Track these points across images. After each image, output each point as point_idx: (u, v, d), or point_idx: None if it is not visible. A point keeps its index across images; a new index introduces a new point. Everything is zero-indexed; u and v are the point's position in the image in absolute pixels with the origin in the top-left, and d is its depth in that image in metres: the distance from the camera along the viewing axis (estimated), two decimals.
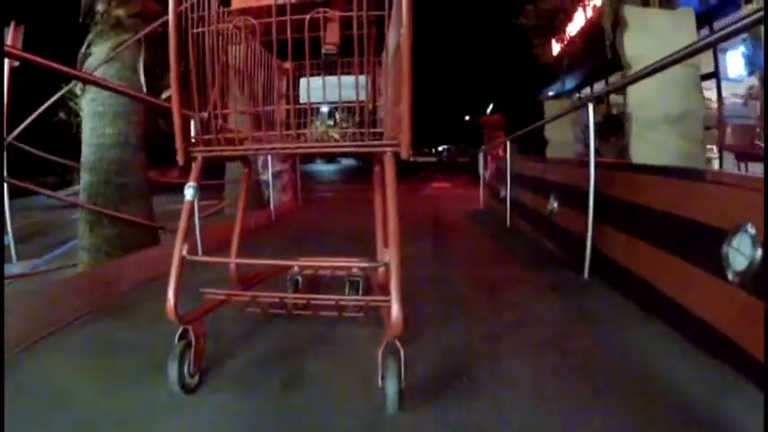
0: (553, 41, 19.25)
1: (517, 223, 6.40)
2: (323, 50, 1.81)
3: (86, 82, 4.83)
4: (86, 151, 5.14)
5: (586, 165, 3.88)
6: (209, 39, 1.86)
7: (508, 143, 7.34)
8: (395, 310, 1.57)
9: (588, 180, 3.56)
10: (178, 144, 1.87)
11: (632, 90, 6.51)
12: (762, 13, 1.94)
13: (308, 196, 10.99)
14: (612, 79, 19.03)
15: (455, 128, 65.59)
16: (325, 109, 2.45)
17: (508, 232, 6.35)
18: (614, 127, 15.66)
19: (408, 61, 1.63)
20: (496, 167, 9.90)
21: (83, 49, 5.38)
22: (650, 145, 6.41)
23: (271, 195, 7.90)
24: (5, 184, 5.28)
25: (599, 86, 19.20)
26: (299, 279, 2.82)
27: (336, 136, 2.11)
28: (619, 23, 7.11)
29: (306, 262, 2.63)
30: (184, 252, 1.78)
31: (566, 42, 18.40)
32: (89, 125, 5.17)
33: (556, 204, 4.81)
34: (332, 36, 1.80)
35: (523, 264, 4.30)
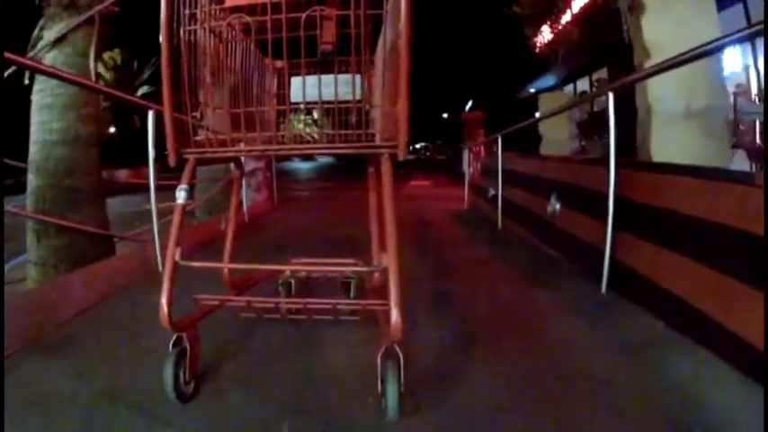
0: (547, 30, 18.90)
1: (509, 225, 6.00)
2: (319, 49, 1.77)
3: (29, 69, 4.29)
4: (33, 150, 4.63)
5: (597, 163, 3.65)
6: (201, 37, 1.82)
7: (500, 139, 6.77)
8: (395, 315, 1.56)
9: (604, 180, 3.17)
10: (170, 145, 1.83)
11: (653, 82, 5.93)
12: None
13: (284, 195, 10.54)
14: (596, 76, 19.07)
15: (433, 125, 65.80)
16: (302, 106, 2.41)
17: (501, 236, 5.92)
18: (598, 124, 15.24)
19: (406, 60, 1.62)
20: (482, 165, 9.63)
21: (35, 33, 4.92)
22: (672, 142, 5.95)
23: (244, 195, 7.44)
24: None
25: (598, 75, 18.74)
26: (292, 282, 2.78)
27: (315, 135, 2.07)
28: (635, 7, 6.56)
29: (300, 265, 2.60)
30: (177, 257, 1.75)
31: (562, 30, 17.61)
32: (36, 119, 4.66)
33: (558, 206, 4.42)
34: (328, 35, 1.76)
35: (528, 276, 3.78)
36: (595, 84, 19.11)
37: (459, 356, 2.24)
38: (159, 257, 3.71)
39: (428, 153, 53.21)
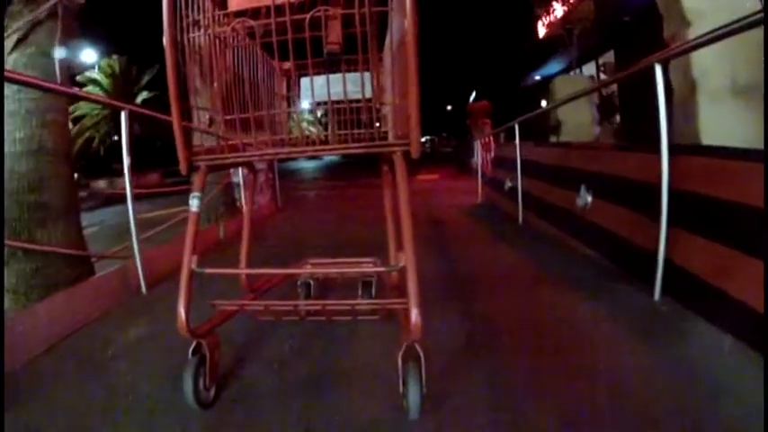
0: (559, 7, 18.25)
1: (532, 220, 5.63)
2: (325, 50, 1.76)
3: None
4: None
5: (639, 149, 3.32)
6: (206, 43, 1.82)
7: (517, 128, 6.29)
8: (414, 315, 1.56)
9: (648, 168, 2.83)
10: (180, 153, 1.84)
11: (699, 55, 5.23)
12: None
13: (288, 196, 10.42)
14: (602, 60, 18.71)
15: (437, 118, 65.81)
16: (305, 105, 2.40)
17: (524, 232, 5.46)
18: (609, 110, 15.16)
19: (414, 56, 1.61)
20: (496, 156, 9.25)
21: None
22: (722, 122, 5.33)
23: (243, 199, 7.02)
24: None
25: (604, 60, 18.62)
26: (311, 282, 2.79)
27: (315, 131, 2.08)
28: None
29: (317, 267, 2.61)
30: (193, 265, 1.76)
31: (576, 5, 16.48)
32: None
33: (590, 198, 4.05)
34: (334, 35, 1.76)
35: (564, 280, 3.35)
36: (602, 68, 18.93)
37: (498, 393, 1.91)
38: (142, 277, 3.44)
39: (433, 146, 53.16)
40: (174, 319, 1.72)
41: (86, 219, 11.51)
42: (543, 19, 19.68)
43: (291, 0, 1.65)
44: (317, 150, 1.86)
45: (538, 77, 25.07)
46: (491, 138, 15.00)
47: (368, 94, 1.77)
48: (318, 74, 1.88)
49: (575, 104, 10.65)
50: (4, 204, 3.90)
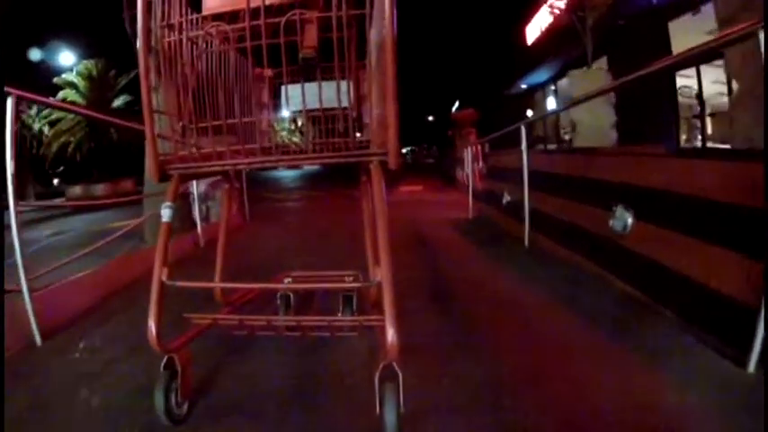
0: None
1: (542, 243, 4.92)
2: (300, 55, 1.74)
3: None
4: None
5: (715, 156, 2.72)
6: (180, 48, 1.80)
7: (523, 131, 5.39)
8: (390, 335, 1.54)
9: (753, 184, 2.15)
10: (151, 161, 1.82)
11: None
12: None
13: (260, 208, 9.82)
14: (596, 66, 18.60)
15: (418, 128, 66.34)
16: (286, 114, 2.38)
17: (536, 259, 4.59)
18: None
19: (392, 63, 1.60)
20: (490, 167, 8.47)
21: None
22: None
23: (198, 214, 6.84)
24: None
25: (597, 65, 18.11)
26: (290, 296, 2.76)
27: (298, 141, 2.06)
28: None
29: (296, 282, 2.60)
30: (164, 277, 1.73)
31: None
32: None
33: (629, 219, 3.31)
34: (309, 39, 1.74)
35: (611, 338, 2.56)
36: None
37: None
38: (35, 324, 2.75)
39: (415, 156, 53.58)
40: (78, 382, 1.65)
41: (52, 227, 11.38)
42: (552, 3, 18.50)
43: (266, 3, 1.64)
44: (292, 159, 1.85)
45: (524, 86, 25.08)
46: (478, 147, 14.91)
47: (344, 103, 1.75)
48: (296, 81, 1.87)
49: (591, 104, 9.59)
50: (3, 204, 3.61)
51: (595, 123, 10.34)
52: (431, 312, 3.09)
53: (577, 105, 8.90)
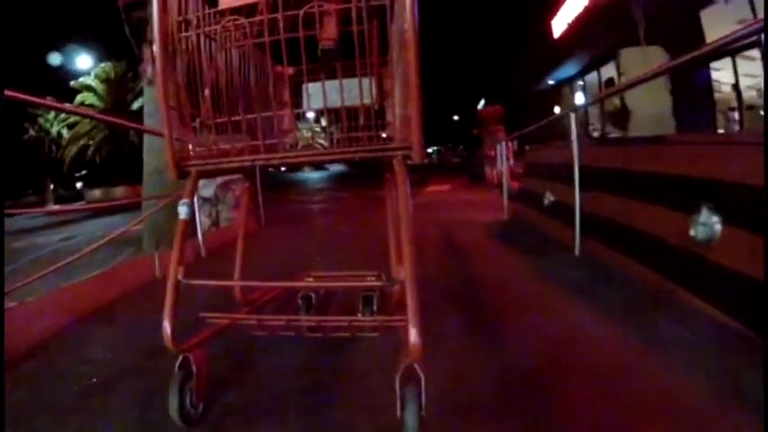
0: None
1: (597, 252, 4.12)
2: (319, 47, 1.73)
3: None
4: None
5: None
6: (197, 43, 1.80)
7: (573, 119, 4.72)
8: (413, 335, 1.52)
9: None
10: (169, 158, 1.83)
11: None
12: None
13: (279, 212, 9.59)
14: None
15: (443, 128, 66.82)
16: (311, 114, 2.37)
17: (590, 271, 3.83)
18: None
19: (415, 56, 1.59)
20: (529, 163, 7.78)
21: None
22: None
23: (199, 221, 6.31)
24: None
25: None
26: (312, 296, 2.75)
27: (324, 143, 2.05)
28: None
29: (316, 281, 2.58)
30: (180, 276, 1.73)
31: None
32: None
33: (718, 227, 2.64)
34: (329, 31, 1.73)
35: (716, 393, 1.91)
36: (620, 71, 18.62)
37: None
38: None
39: (441, 156, 53.68)
40: None
41: (66, 231, 11.45)
42: None
43: None
44: (312, 156, 1.84)
45: (551, 82, 25.08)
46: (510, 144, 14.68)
47: (366, 100, 1.74)
48: (317, 79, 1.86)
49: (647, 90, 8.41)
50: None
51: (654, 110, 9.02)
52: (469, 351, 2.51)
53: (632, 89, 7.29)
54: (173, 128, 1.81)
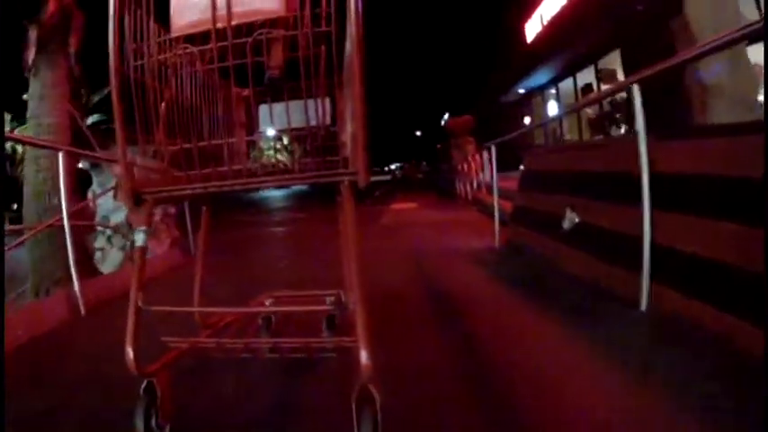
0: None
1: (679, 307, 2.89)
2: (266, 75, 1.87)
3: None
4: None
5: None
6: (149, 71, 1.92)
7: (637, 94, 3.27)
8: (363, 356, 1.63)
9: None
10: (124, 185, 1.95)
11: None
12: None
13: (220, 238, 7.52)
14: (603, 63, 18.21)
15: (406, 144, 68.16)
16: (270, 132, 2.49)
17: (700, 353, 2.49)
18: None
19: (360, 81, 1.72)
20: (528, 170, 6.56)
21: None
22: None
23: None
24: None
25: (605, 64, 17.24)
26: (272, 317, 2.88)
27: (285, 159, 2.18)
28: None
29: (277, 302, 2.73)
30: (140, 302, 1.84)
31: None
32: None
33: None
34: (275, 59, 1.86)
35: None
36: (598, 76, 18.23)
37: None
38: None
39: (405, 172, 54.37)
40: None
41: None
42: None
43: (234, 23, 1.77)
44: (260, 183, 1.95)
45: (522, 91, 25.13)
46: (476, 156, 14.54)
47: (312, 122, 1.87)
48: (264, 102, 1.99)
49: (734, 58, 6.95)
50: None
51: (741, 88, 7.13)
52: None
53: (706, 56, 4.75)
54: (126, 155, 1.93)
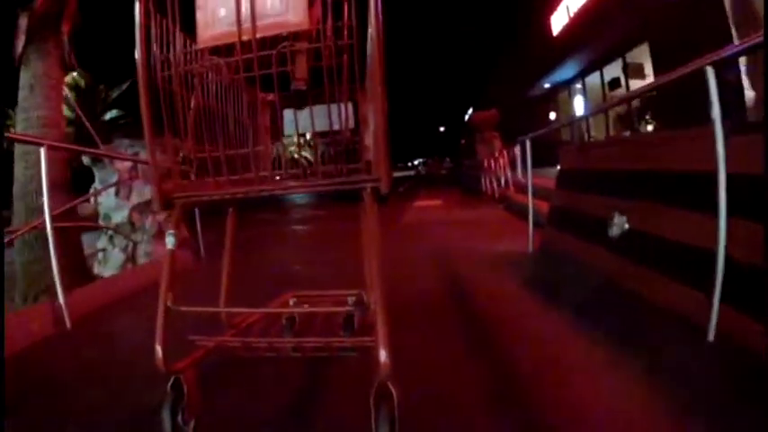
0: None
1: (751, 337, 2.49)
2: (292, 86, 1.97)
3: None
4: None
5: None
6: (177, 80, 2.04)
7: (711, 77, 2.91)
8: (382, 355, 1.73)
9: None
10: (154, 189, 2.08)
11: None
12: None
13: (243, 235, 4.99)
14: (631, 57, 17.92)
15: (429, 140, 68.60)
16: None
17: None
18: None
19: (381, 86, 1.83)
20: (570, 168, 5.98)
21: None
22: None
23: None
24: None
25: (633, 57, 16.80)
26: (296, 316, 3.02)
27: (308, 155, 2.30)
28: None
29: (300, 302, 2.90)
30: (169, 302, 1.97)
31: None
32: None
33: None
34: (300, 71, 1.96)
35: None
36: (625, 70, 17.79)
37: None
38: None
39: (428, 168, 54.30)
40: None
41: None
42: None
43: (259, 36, 1.87)
44: (286, 189, 2.06)
45: (547, 85, 25.03)
46: (503, 152, 14.16)
47: (336, 126, 1.97)
48: (289, 107, 2.10)
49: None
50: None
51: None
52: None
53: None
54: (156, 160, 2.05)
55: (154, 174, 2.09)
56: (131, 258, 6.61)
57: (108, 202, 7.27)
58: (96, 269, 7.16)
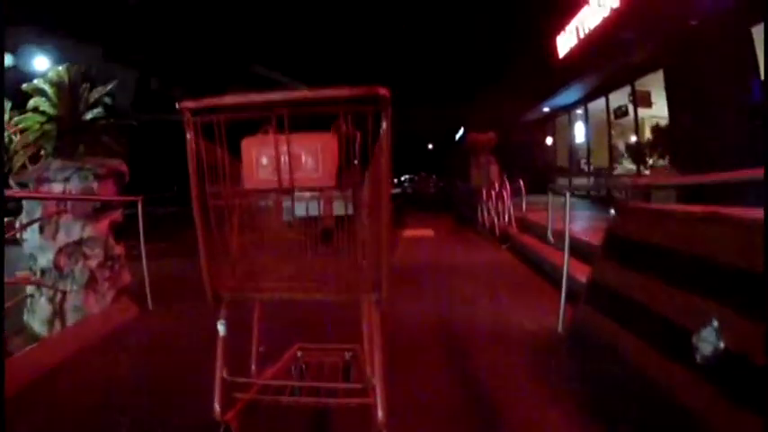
0: None
1: None
2: (321, 229, 2.77)
3: None
4: None
5: None
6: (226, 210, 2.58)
7: None
8: (380, 414, 2.22)
9: None
10: (206, 284, 2.52)
11: None
12: None
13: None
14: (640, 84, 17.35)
15: (416, 156, 70.23)
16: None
17: None
18: None
19: (387, 215, 2.29)
20: (622, 235, 4.60)
21: None
22: None
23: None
24: None
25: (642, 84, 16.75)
26: (303, 367, 3.63)
27: None
28: None
29: (305, 353, 3.61)
30: (225, 374, 2.64)
31: None
32: None
33: None
34: (328, 218, 2.74)
35: None
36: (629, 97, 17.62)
37: None
38: None
39: (414, 186, 54.44)
40: None
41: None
42: None
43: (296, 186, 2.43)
44: (306, 292, 2.58)
45: (547, 109, 25.10)
46: (504, 182, 13.86)
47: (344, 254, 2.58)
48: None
49: None
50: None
51: None
52: None
53: None
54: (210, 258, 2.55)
55: (205, 269, 2.47)
56: (59, 311, 5.58)
57: (33, 241, 6.04)
58: (25, 316, 6.17)
